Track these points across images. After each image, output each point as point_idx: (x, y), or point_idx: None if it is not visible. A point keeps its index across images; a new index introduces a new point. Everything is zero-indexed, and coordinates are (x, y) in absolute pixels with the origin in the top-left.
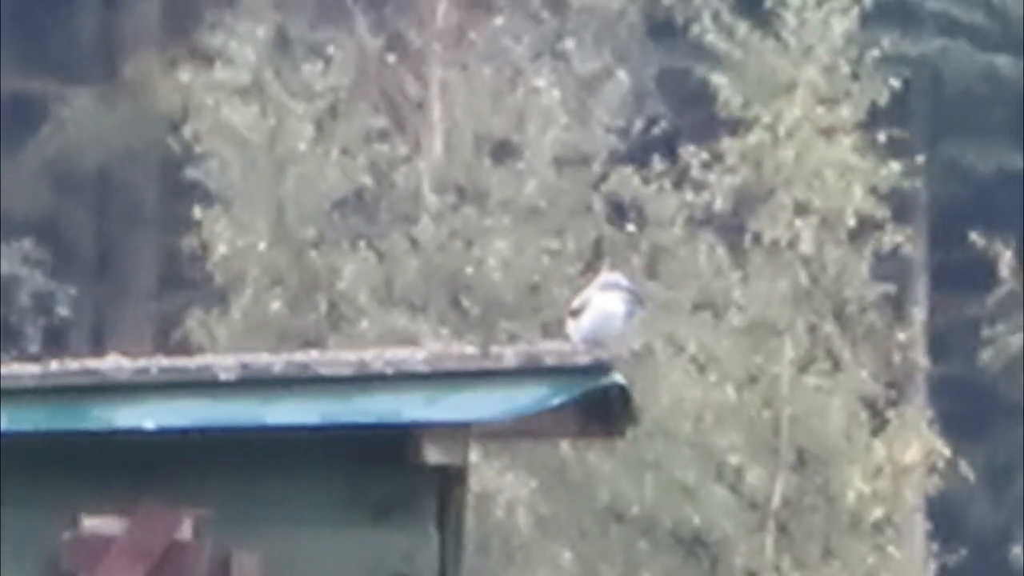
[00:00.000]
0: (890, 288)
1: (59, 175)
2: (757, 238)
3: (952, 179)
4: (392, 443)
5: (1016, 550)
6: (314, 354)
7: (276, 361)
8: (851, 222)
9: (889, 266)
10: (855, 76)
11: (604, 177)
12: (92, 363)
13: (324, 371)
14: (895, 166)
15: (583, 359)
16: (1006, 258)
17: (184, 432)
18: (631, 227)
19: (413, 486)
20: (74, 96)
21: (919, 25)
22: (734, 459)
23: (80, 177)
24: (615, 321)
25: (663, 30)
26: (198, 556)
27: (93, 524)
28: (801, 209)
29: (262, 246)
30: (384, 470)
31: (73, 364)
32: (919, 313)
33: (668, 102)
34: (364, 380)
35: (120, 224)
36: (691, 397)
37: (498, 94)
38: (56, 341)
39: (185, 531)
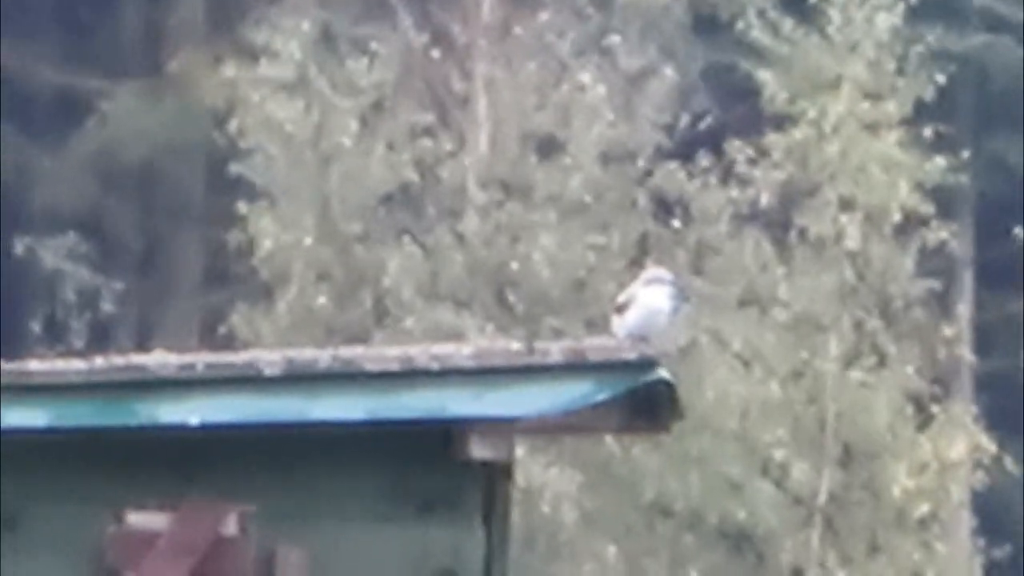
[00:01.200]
0: (935, 284)
1: (104, 170)
2: (802, 234)
3: (997, 174)
4: (438, 438)
5: None
6: (359, 349)
7: (321, 356)
8: (896, 218)
9: (934, 262)
10: (900, 71)
11: (649, 173)
12: (137, 359)
13: (369, 366)
14: (940, 162)
15: (628, 355)
16: None
17: (229, 428)
18: (676, 223)
19: (459, 481)
20: (119, 91)
21: (964, 20)
22: (779, 455)
23: (125, 172)
24: (661, 317)
25: (709, 26)
26: (243, 552)
27: (138, 520)
28: (846, 205)
29: (308, 241)
30: (429, 465)
31: (118, 360)
32: (964, 309)
33: (714, 98)
34: (410, 375)
35: (165, 219)
36: (736, 393)
37: (543, 90)
38: (101, 337)
39: (230, 527)
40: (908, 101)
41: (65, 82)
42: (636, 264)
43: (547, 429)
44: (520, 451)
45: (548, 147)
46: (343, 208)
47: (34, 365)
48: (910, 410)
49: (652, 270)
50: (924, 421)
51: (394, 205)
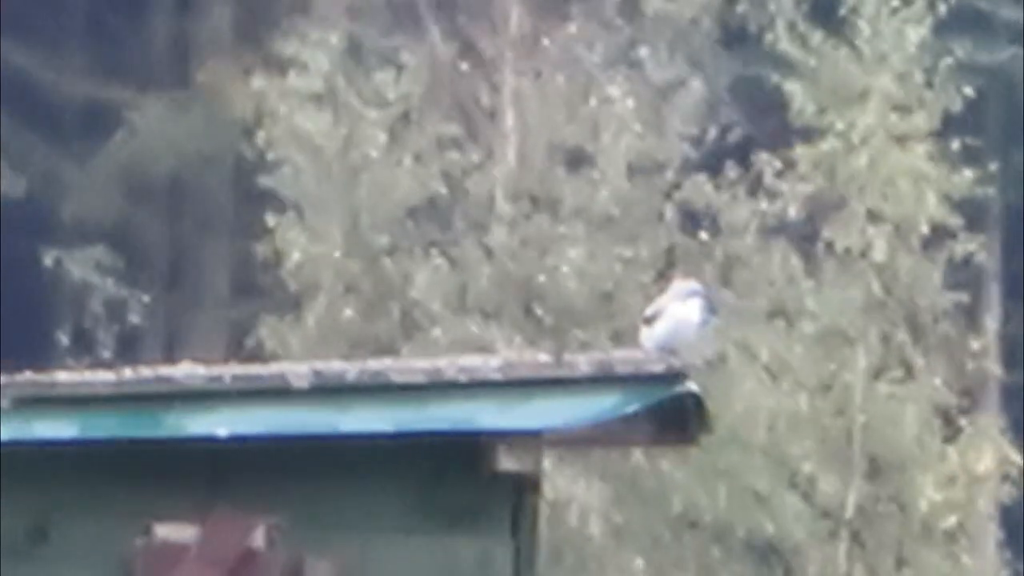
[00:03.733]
0: (963, 296)
1: (132, 182)
2: (830, 246)
3: None
4: (466, 451)
5: None
6: (387, 362)
7: (349, 369)
8: (924, 230)
9: (962, 274)
10: (929, 84)
11: (677, 185)
12: (165, 371)
13: (397, 379)
14: (968, 174)
15: (656, 367)
16: None
17: (257, 440)
18: (704, 235)
19: (487, 494)
20: (147, 103)
21: (993, 34)
22: (807, 467)
23: (153, 184)
24: (689, 329)
25: (737, 38)
26: (271, 564)
27: (166, 532)
28: (874, 217)
29: (335, 254)
30: (458, 478)
31: (146, 372)
32: (992, 321)
33: (742, 110)
34: (437, 388)
35: (193, 231)
36: (764, 405)
37: (571, 102)
38: (129, 348)
39: (258, 539)
40: (936, 114)
41: (94, 93)
42: (663, 277)
43: (575, 441)
44: (548, 463)
45: (576, 159)
46: (371, 220)
47: (62, 377)
48: (937, 423)
49: (681, 282)
50: (951, 434)
51: (422, 217)
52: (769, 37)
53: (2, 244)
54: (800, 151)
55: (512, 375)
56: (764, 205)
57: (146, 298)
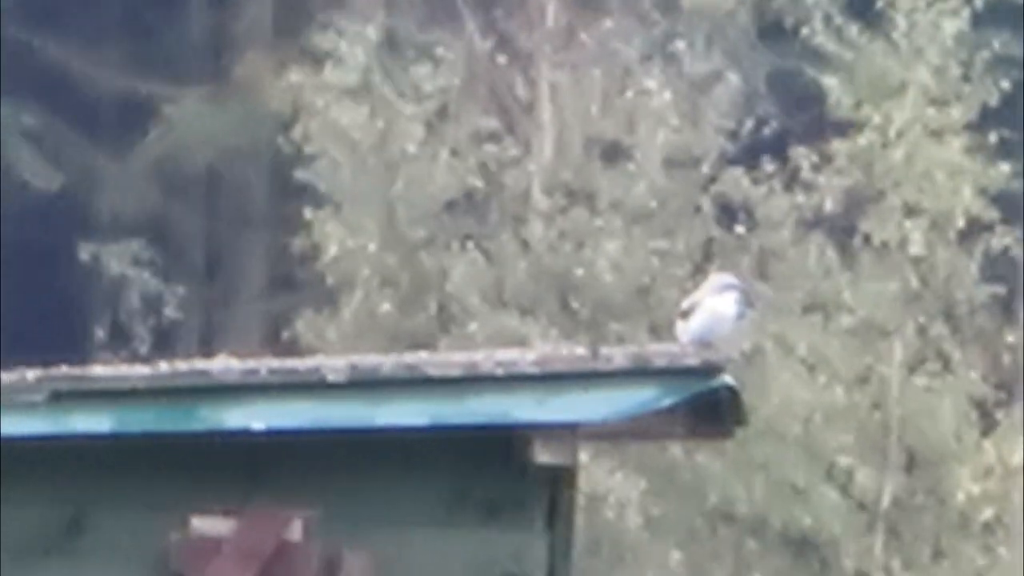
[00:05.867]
0: (999, 289)
1: (168, 176)
2: (867, 239)
3: None
4: (502, 444)
5: None
6: (424, 355)
7: (386, 362)
8: (960, 223)
9: (998, 267)
10: (966, 77)
11: (714, 179)
12: (201, 364)
13: (434, 372)
14: (1005, 167)
15: (693, 360)
16: None
17: (294, 433)
18: (741, 228)
19: (523, 487)
20: (183, 97)
21: None
22: (844, 460)
23: (189, 178)
24: (726, 323)
25: (773, 32)
26: (307, 557)
27: (202, 525)
28: (911, 210)
29: (372, 247)
30: (494, 471)
31: (182, 365)
32: None
33: (778, 103)
34: (474, 381)
35: (229, 225)
36: (801, 398)
37: (608, 95)
38: (165, 342)
39: (294, 532)
40: (973, 107)
41: (130, 87)
42: (700, 270)
43: (611, 435)
44: (584, 457)
45: (613, 153)
46: (408, 214)
47: (99, 370)
48: (974, 415)
49: (718, 275)
50: (988, 426)
51: (458, 211)
52: (805, 30)
53: (39, 238)
54: (837, 145)
55: (548, 368)
56: (801, 198)
57: (182, 292)
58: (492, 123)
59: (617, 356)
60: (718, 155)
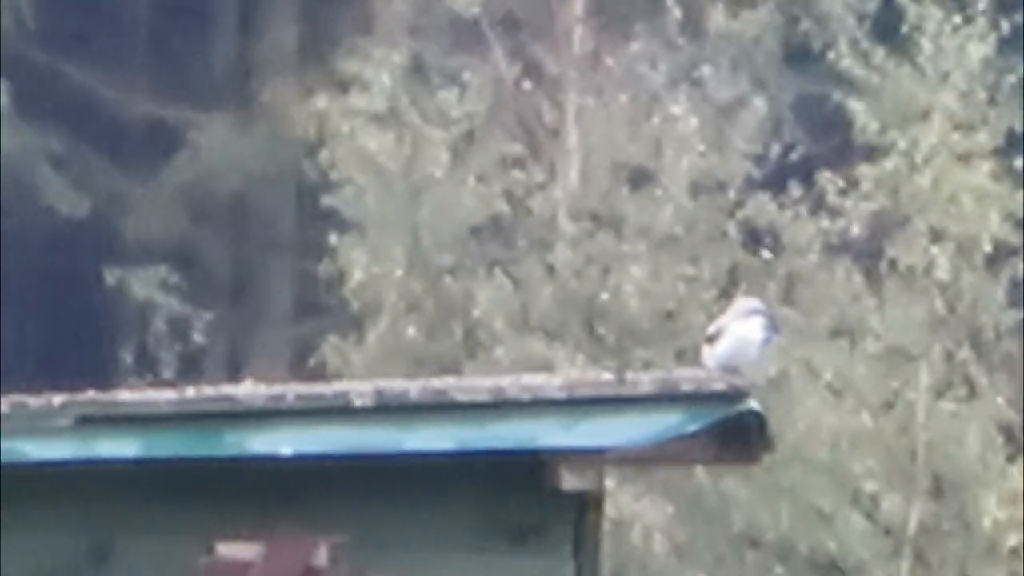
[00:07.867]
0: None
1: (195, 201)
2: (893, 264)
3: None
4: (528, 469)
5: None
6: (450, 380)
7: (412, 387)
8: (987, 248)
9: None
10: (992, 102)
11: (740, 203)
12: (228, 389)
13: (460, 397)
14: None
15: (719, 386)
16: None
17: (320, 458)
18: (767, 253)
19: (549, 512)
20: (210, 122)
21: None
22: (870, 485)
23: (216, 203)
24: (751, 348)
25: (800, 56)
26: None
27: (229, 550)
28: (937, 235)
29: (398, 273)
30: (520, 496)
31: (209, 390)
32: None
33: (804, 128)
34: (500, 406)
35: (256, 250)
36: (827, 423)
37: (634, 121)
38: (191, 367)
39: (321, 557)
40: (999, 132)
41: (156, 112)
42: (726, 295)
43: (637, 460)
44: (610, 482)
45: (639, 178)
46: (434, 239)
47: (125, 396)
48: (1001, 440)
49: (743, 300)
50: (1015, 451)
51: (484, 236)
52: (831, 55)
53: (65, 264)
54: (863, 169)
55: (575, 394)
56: (827, 223)
57: (209, 317)
58: (518, 148)
59: (643, 381)
60: (744, 180)
